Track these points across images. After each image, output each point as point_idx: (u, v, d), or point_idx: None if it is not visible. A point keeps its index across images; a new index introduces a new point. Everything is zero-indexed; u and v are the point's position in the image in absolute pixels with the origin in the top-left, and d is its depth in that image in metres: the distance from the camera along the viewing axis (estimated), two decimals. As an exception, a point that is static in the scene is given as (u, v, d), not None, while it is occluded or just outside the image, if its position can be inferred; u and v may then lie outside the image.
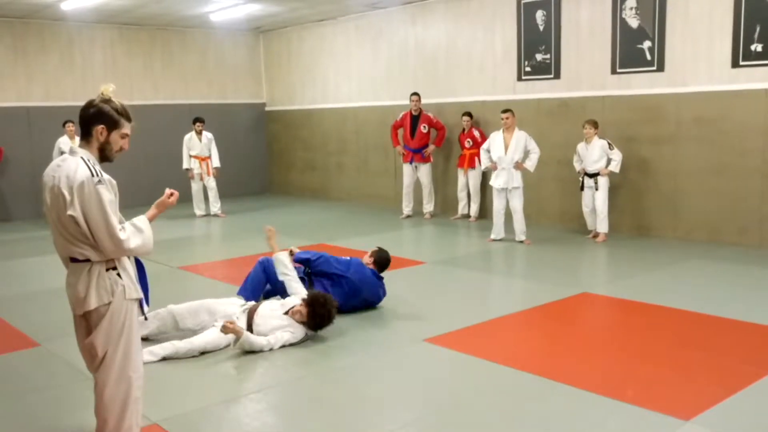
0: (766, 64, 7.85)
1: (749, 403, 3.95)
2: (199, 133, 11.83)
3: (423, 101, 11.02)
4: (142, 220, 3.12)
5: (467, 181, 10.62)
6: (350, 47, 13.01)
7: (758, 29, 7.84)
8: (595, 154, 8.54)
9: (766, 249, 7.94)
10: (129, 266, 3.15)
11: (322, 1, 11.35)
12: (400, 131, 11.09)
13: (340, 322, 5.83)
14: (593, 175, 8.60)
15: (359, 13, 12.50)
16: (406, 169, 11.09)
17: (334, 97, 13.40)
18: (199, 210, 11.97)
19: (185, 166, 11.84)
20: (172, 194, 3.29)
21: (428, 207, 11.05)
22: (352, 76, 13.05)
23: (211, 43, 14.33)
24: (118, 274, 3.07)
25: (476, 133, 10.38)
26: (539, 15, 9.87)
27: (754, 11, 7.85)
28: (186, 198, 11.80)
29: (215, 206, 11.99)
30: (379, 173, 12.61)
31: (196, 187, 11.92)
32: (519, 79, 10.26)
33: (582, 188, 8.76)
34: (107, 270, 3.04)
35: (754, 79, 7.96)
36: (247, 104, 15.01)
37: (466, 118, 10.48)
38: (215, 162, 11.96)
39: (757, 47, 7.89)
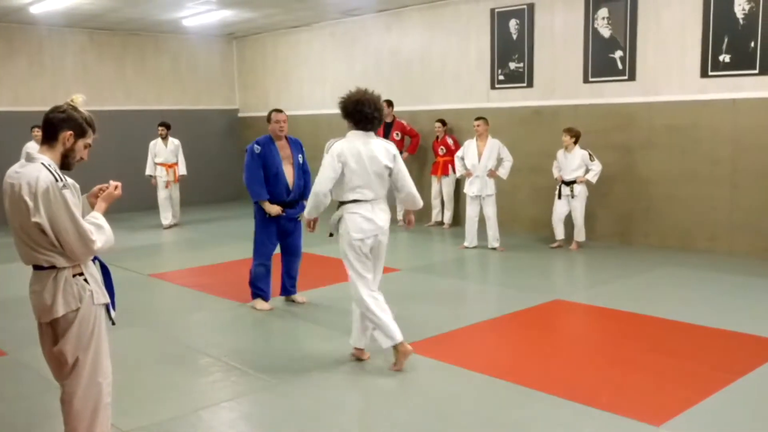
0: (734, 75, 7.99)
1: (719, 408, 3.99)
2: (164, 138, 11.48)
3: (397, 108, 11.03)
4: (98, 217, 3.06)
5: (441, 188, 10.65)
6: (325, 54, 12.99)
7: (726, 40, 7.98)
8: (575, 163, 8.56)
9: (736, 256, 8.05)
10: (95, 271, 3.10)
11: (297, 8, 11.33)
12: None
13: (314, 330, 5.79)
14: (570, 183, 8.65)
15: (334, 20, 12.49)
16: (380, 176, 11.06)
17: (308, 103, 13.36)
18: (165, 220, 11.56)
19: (148, 172, 11.48)
20: (117, 186, 3.21)
21: (402, 214, 11.04)
22: (327, 83, 13.02)
23: (184, 49, 14.23)
24: (86, 280, 3.01)
25: (450, 141, 10.42)
26: (513, 24, 9.94)
27: (723, 23, 7.98)
28: (154, 206, 11.64)
29: (175, 216, 11.68)
30: (353, 180, 12.58)
31: (164, 194, 11.50)
32: (493, 87, 10.32)
33: (559, 196, 8.77)
34: (74, 276, 2.99)
35: (723, 89, 8.09)
36: (220, 110, 14.93)
37: (439, 125, 10.52)
38: (182, 170, 11.58)
39: (726, 58, 8.03)
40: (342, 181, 4.61)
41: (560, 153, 8.72)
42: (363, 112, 4.57)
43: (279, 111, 6.29)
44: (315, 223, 4.95)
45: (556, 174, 8.80)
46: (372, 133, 4.69)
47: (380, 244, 4.75)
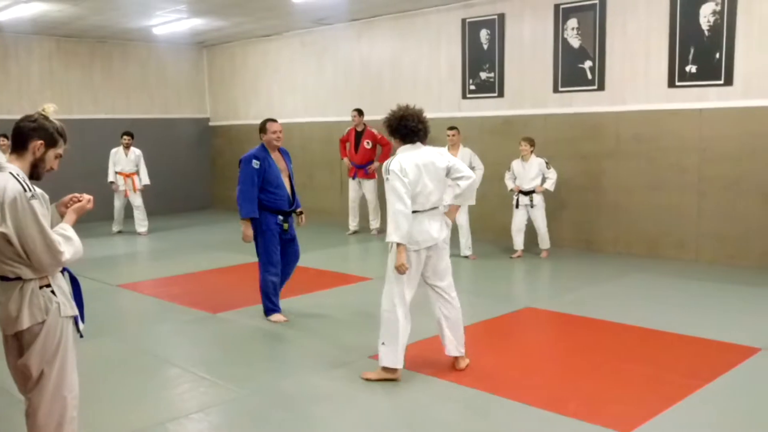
0: (700, 85, 8.12)
1: (685, 415, 4.04)
2: (126, 147, 11.48)
3: (369, 117, 11.04)
4: (67, 228, 3.02)
5: (413, 197, 10.65)
6: (295, 63, 12.97)
7: (692, 51, 8.12)
8: (532, 171, 8.59)
9: (702, 263, 8.17)
10: (63, 283, 3.05)
11: (268, 16, 11.31)
12: (347, 145, 11.13)
13: (286, 340, 5.76)
14: (528, 193, 8.69)
15: (305, 28, 12.49)
16: (351, 184, 11.10)
17: (279, 112, 13.30)
18: (116, 226, 11.61)
19: (110, 179, 11.49)
20: (90, 200, 3.17)
21: (374, 223, 11.04)
22: (297, 92, 13.01)
23: (153, 57, 14.11)
24: (53, 292, 2.96)
25: (422, 150, 10.43)
26: (483, 34, 10.02)
27: (689, 34, 8.12)
28: (110, 214, 11.59)
29: (142, 225, 11.59)
30: (325, 189, 12.56)
31: (119, 203, 11.55)
32: (464, 96, 10.38)
33: (517, 206, 8.77)
34: (41, 288, 2.94)
35: (689, 99, 8.23)
36: (191, 119, 14.81)
37: (411, 134, 10.52)
38: (144, 179, 11.56)
39: (692, 68, 8.16)
40: None
41: (516, 163, 8.74)
42: (408, 126, 4.71)
43: (274, 120, 6.22)
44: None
45: (510, 185, 8.80)
46: (419, 144, 4.74)
47: (437, 254, 4.73)
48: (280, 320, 6.14)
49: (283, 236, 6.23)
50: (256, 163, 6.02)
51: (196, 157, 14.83)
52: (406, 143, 4.75)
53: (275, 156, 6.19)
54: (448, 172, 4.70)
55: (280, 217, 6.14)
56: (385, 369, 4.64)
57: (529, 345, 5.68)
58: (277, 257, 6.19)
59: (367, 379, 4.66)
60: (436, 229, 4.69)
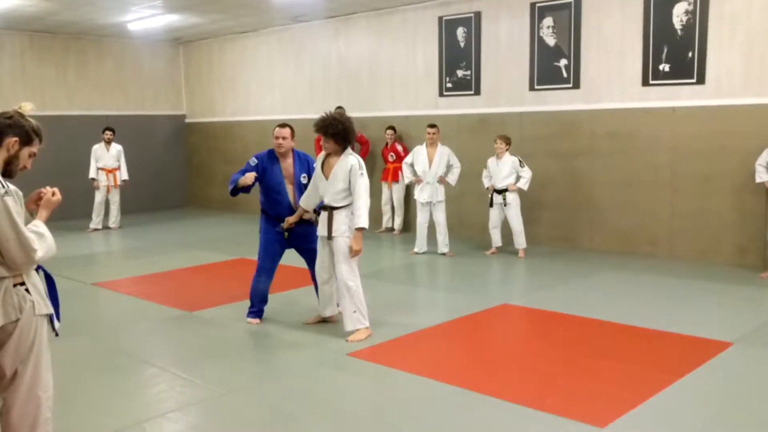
0: (673, 84, 8.22)
1: (660, 409, 4.10)
2: (108, 143, 11.62)
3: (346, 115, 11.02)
4: (39, 225, 2.99)
5: (391, 194, 10.69)
6: (272, 60, 12.93)
7: (666, 50, 8.21)
8: (505, 170, 8.58)
9: (676, 260, 8.27)
10: (38, 281, 3.02)
11: (244, 13, 11.26)
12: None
13: (263, 339, 5.74)
14: (501, 191, 8.70)
15: (282, 25, 12.45)
16: (329, 182, 11.07)
17: (255, 109, 13.28)
18: (94, 224, 11.61)
19: (91, 175, 11.56)
20: (54, 192, 3.14)
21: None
22: (275, 89, 12.97)
23: (129, 53, 13.97)
24: (27, 290, 2.93)
25: (399, 148, 10.47)
26: (460, 32, 10.05)
27: (662, 33, 8.22)
28: (86, 211, 11.56)
29: (113, 220, 11.74)
30: (302, 187, 12.54)
31: (99, 198, 11.60)
32: (441, 94, 10.41)
33: (491, 204, 8.79)
34: (15, 286, 2.90)
35: (663, 98, 8.32)
36: (167, 116, 14.70)
37: (389, 132, 10.56)
38: (124, 174, 11.75)
39: (665, 67, 8.26)
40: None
41: (491, 161, 8.74)
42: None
43: (282, 126, 5.90)
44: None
45: (486, 183, 8.79)
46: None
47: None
48: (250, 323, 6.01)
49: (294, 242, 5.99)
50: (253, 161, 5.88)
51: (172, 154, 14.72)
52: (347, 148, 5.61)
53: (285, 163, 5.90)
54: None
55: (282, 225, 5.88)
56: (365, 329, 5.46)
57: (505, 341, 5.72)
58: (269, 264, 6.00)
59: (357, 341, 5.37)
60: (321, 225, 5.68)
